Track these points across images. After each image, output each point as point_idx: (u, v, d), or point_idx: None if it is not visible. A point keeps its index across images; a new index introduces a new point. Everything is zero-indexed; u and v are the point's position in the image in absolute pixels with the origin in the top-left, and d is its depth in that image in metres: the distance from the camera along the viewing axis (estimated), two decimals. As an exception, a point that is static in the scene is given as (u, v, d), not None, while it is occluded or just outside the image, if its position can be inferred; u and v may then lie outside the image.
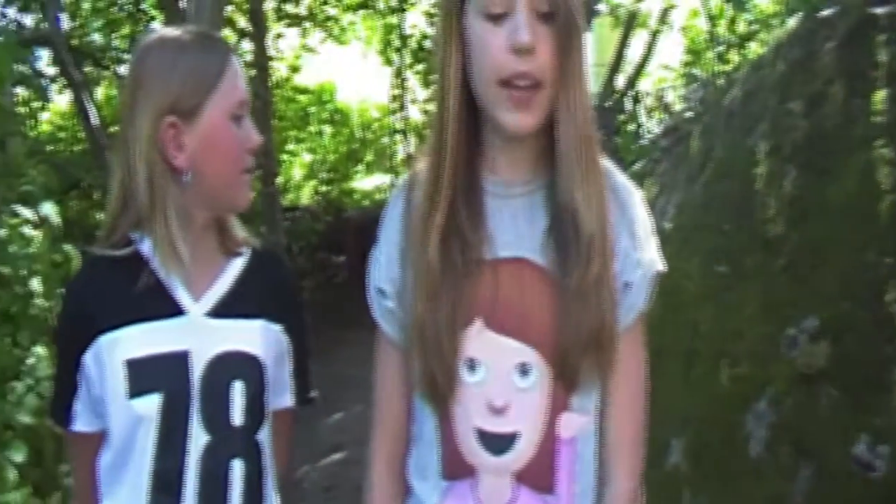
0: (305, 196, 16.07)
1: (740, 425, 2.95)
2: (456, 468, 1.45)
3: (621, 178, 1.54)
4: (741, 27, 7.55)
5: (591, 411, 1.48)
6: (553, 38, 1.36)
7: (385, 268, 1.51)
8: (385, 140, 17.26)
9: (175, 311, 1.70)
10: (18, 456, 2.52)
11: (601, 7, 8.63)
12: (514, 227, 1.45)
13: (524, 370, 1.41)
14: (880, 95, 2.82)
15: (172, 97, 1.65)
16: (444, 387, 1.41)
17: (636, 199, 1.54)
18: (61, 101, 12.57)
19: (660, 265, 1.53)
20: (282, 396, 1.87)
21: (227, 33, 11.04)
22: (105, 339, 1.66)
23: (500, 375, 1.41)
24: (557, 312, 1.41)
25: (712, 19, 8.38)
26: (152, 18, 11.43)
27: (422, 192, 1.45)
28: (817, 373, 2.62)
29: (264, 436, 1.77)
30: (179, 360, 1.67)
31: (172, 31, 1.75)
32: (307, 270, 12.84)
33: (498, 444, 1.43)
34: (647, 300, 1.53)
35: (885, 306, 2.45)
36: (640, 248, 1.50)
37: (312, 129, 16.31)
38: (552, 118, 1.39)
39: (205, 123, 1.66)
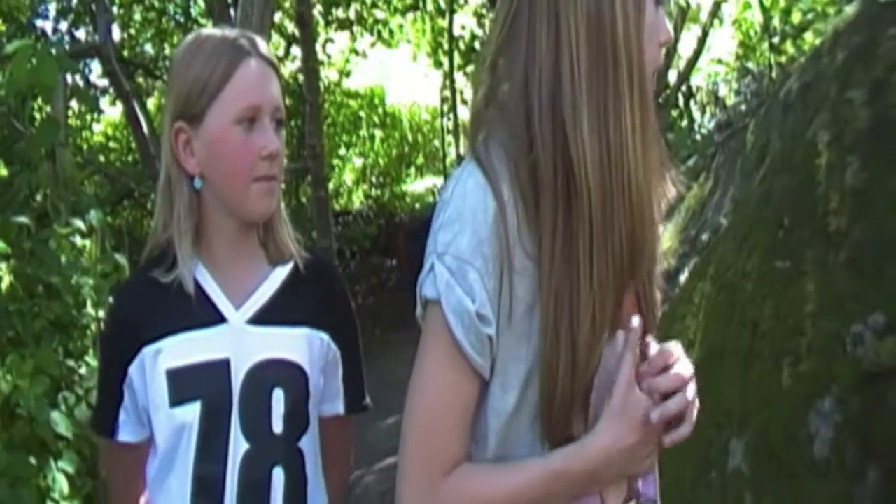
0: (357, 200, 16.17)
1: (804, 425, 2.86)
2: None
3: None
4: (796, 18, 7.42)
5: None
6: None
7: (480, 288, 1.24)
8: (435, 142, 17.29)
9: (216, 319, 1.71)
10: (69, 466, 2.52)
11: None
12: None
13: None
14: (945, 81, 2.72)
15: (181, 102, 1.67)
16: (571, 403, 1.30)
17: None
18: (113, 112, 12.78)
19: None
20: (332, 403, 1.86)
21: (276, 39, 11.12)
22: (148, 350, 1.67)
23: None
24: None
25: (766, 11, 8.25)
26: (202, 27, 11.57)
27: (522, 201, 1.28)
28: (885, 370, 2.53)
29: (307, 443, 1.76)
30: (220, 368, 1.68)
31: (199, 34, 1.75)
32: (359, 275, 12.91)
33: None
34: None
35: (955, 300, 2.36)
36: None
37: (363, 133, 16.40)
38: None
39: (208, 129, 1.66)
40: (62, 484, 2.38)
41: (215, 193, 1.69)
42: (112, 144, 13.72)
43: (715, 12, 10.35)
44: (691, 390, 1.33)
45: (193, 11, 11.97)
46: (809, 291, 3.15)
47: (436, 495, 1.27)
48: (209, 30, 1.78)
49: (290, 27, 11.73)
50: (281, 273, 1.79)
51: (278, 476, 1.71)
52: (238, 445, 1.68)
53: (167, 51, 12.14)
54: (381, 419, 8.06)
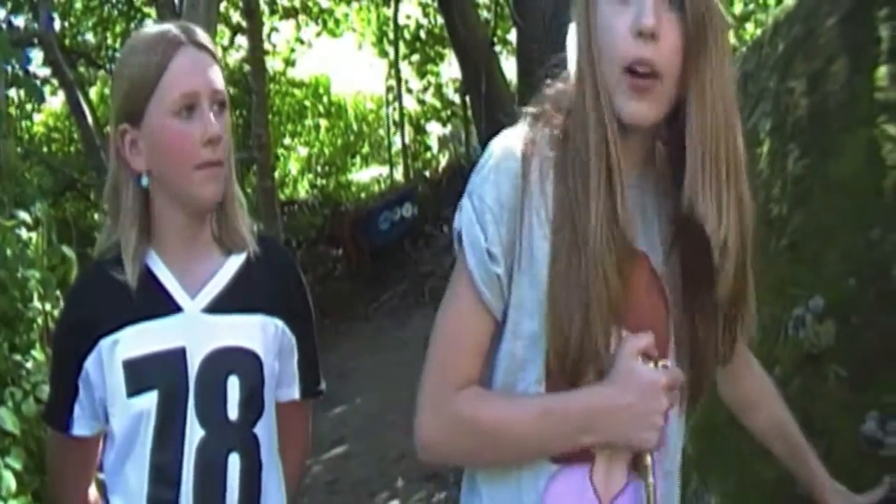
0: (302, 190, 16.11)
1: (747, 407, 2.93)
2: (574, 453, 1.40)
3: None
4: (738, 8, 7.54)
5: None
6: (680, 28, 1.32)
7: (495, 230, 1.37)
8: (381, 132, 17.28)
9: (172, 309, 1.73)
10: (17, 463, 2.49)
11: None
12: (641, 219, 1.43)
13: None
14: (882, 72, 2.80)
15: (123, 103, 1.70)
16: (578, 368, 1.37)
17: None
18: (55, 102, 12.59)
19: None
20: (288, 389, 1.89)
21: (221, 29, 11.03)
22: (105, 342, 1.69)
23: None
24: (667, 321, 1.45)
25: (707, 2, 8.36)
26: (146, 16, 11.42)
27: (552, 166, 1.38)
28: (824, 352, 2.60)
29: (263, 429, 1.77)
30: (176, 357, 1.70)
31: (136, 34, 1.80)
32: (305, 264, 12.84)
33: None
34: None
35: (892, 283, 2.43)
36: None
37: (308, 122, 16.34)
38: (682, 113, 1.35)
39: (150, 125, 1.68)
40: (9, 481, 2.34)
41: (164, 187, 1.71)
42: (54, 135, 13.52)
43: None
44: None
45: (137, 0, 11.82)
46: (752, 277, 3.22)
47: (446, 406, 1.41)
48: (146, 28, 1.82)
49: (235, 16, 11.63)
50: (236, 261, 1.81)
51: (234, 462, 1.72)
52: (194, 432, 1.69)
53: (110, 40, 11.97)
54: (328, 409, 8.07)
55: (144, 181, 1.70)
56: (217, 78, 1.73)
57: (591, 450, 1.41)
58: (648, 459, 1.41)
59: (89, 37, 12.46)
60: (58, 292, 3.26)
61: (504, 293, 1.39)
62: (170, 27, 1.73)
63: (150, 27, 1.79)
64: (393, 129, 16.46)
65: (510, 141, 1.40)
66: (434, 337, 1.45)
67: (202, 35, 1.75)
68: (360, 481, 6.43)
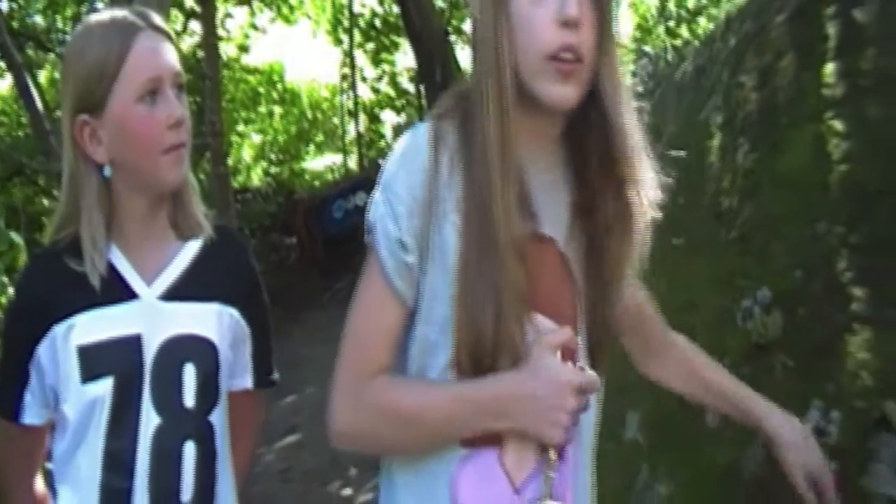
0: (256, 178, 16.01)
1: (696, 396, 2.98)
2: (482, 437, 1.42)
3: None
4: (691, 2, 7.61)
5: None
6: (594, 11, 1.38)
7: (407, 220, 1.39)
8: (335, 120, 17.22)
9: (128, 295, 1.71)
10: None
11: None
12: (545, 204, 1.45)
13: None
14: (829, 69, 2.85)
15: (80, 95, 1.66)
16: (492, 356, 1.38)
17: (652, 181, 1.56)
18: (3, 85, 12.38)
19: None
20: (241, 378, 1.88)
21: (175, 14, 10.92)
22: (59, 328, 1.66)
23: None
24: (575, 301, 1.46)
25: (661, -5, 8.44)
26: (97, -2, 11.27)
27: (466, 161, 1.41)
28: (771, 343, 2.66)
29: (217, 418, 1.77)
30: (131, 344, 1.68)
31: (88, 22, 1.74)
32: (259, 252, 12.77)
33: None
34: None
35: (836, 276, 2.49)
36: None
37: (262, 109, 16.23)
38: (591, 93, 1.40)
39: (113, 114, 1.65)
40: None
41: (126, 175, 1.69)
42: (2, 119, 13.30)
43: (612, -6, 10.53)
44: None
45: (87, -18, 11.66)
46: (702, 268, 3.27)
47: (358, 394, 1.42)
48: (98, 14, 1.76)
49: (189, 1, 11.51)
50: (192, 248, 1.80)
51: (189, 449, 1.71)
52: (149, 420, 1.68)
53: (60, 23, 11.79)
54: (280, 398, 8.05)
55: (107, 172, 1.68)
56: (176, 59, 1.71)
57: (502, 434, 1.42)
58: (552, 454, 1.41)
59: (38, 19, 12.26)
60: (5, 278, 3.22)
61: (416, 282, 1.41)
62: (124, 13, 1.70)
63: (102, 13, 1.74)
64: (347, 117, 16.40)
65: (419, 135, 1.43)
66: (346, 328, 1.47)
67: (157, 18, 1.72)
68: (312, 470, 6.43)
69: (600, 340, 1.49)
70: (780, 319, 2.66)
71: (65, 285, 1.69)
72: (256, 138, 16.50)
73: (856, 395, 2.24)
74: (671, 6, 8.18)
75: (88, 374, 1.65)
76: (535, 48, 1.36)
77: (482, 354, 1.37)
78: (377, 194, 1.43)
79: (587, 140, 1.45)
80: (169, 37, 1.72)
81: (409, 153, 1.42)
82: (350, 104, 15.88)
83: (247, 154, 16.34)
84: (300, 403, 8.00)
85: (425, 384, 1.43)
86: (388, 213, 1.40)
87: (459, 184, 1.39)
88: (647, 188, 1.48)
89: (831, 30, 2.92)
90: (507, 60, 1.37)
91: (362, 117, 15.70)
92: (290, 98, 16.87)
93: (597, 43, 1.37)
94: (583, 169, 1.46)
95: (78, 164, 1.69)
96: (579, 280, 1.47)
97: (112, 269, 1.70)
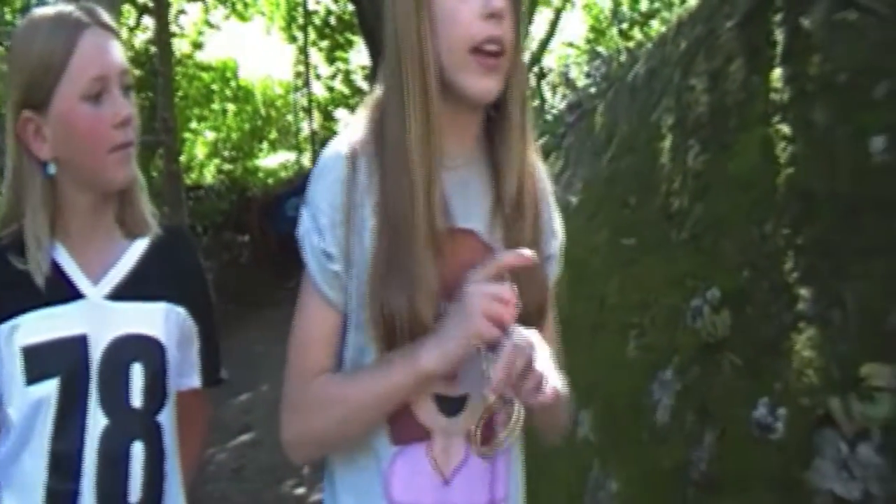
0: (209, 175, 15.87)
1: (647, 394, 3.03)
2: (410, 433, 1.47)
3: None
4: (644, 5, 7.69)
5: None
6: (514, 6, 1.41)
7: (329, 231, 1.44)
8: (288, 117, 17.13)
9: (74, 295, 1.69)
10: None
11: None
12: (463, 199, 1.48)
13: None
14: (777, 73, 2.91)
15: (24, 91, 1.64)
16: None
17: (543, 168, 1.62)
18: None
19: (562, 234, 1.65)
20: (189, 377, 1.87)
21: (127, 9, 10.80)
22: (3, 328, 1.64)
23: None
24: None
25: (615, -3, 8.51)
26: (46, -8, 11.10)
27: (373, 164, 1.44)
28: (720, 341, 2.70)
29: (166, 417, 1.76)
30: (77, 344, 1.66)
31: (33, 16, 1.72)
32: (211, 250, 12.69)
33: (452, 406, 1.48)
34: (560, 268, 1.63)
35: (782, 276, 2.54)
36: (554, 219, 1.61)
37: (215, 106, 16.10)
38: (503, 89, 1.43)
39: (58, 111, 1.63)
40: None
41: (72, 173, 1.66)
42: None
43: (566, -4, 10.62)
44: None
45: (35, -24, 11.48)
46: (653, 267, 3.32)
47: (304, 395, 1.49)
48: (44, 8, 1.73)
49: (141, -4, 11.40)
50: (139, 247, 1.78)
51: (137, 450, 1.70)
52: (96, 421, 1.66)
53: (8, 15, 11.60)
54: (234, 396, 8.01)
55: (51, 169, 1.66)
56: (123, 57, 1.69)
57: (431, 429, 1.47)
58: (483, 350, 1.37)
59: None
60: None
61: (345, 289, 1.46)
62: (71, 8, 1.67)
63: (49, 8, 1.72)
64: (301, 115, 16.34)
65: (337, 145, 1.47)
66: (290, 336, 1.52)
67: (104, 14, 1.70)
68: (266, 468, 6.40)
69: (535, 311, 1.50)
70: (729, 318, 2.70)
71: (8, 284, 1.66)
72: (210, 136, 16.36)
73: (801, 393, 2.29)
74: (625, 9, 8.26)
75: (33, 376, 1.63)
76: (459, 41, 1.39)
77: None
78: (302, 210, 1.48)
79: (500, 131, 1.49)
80: (116, 34, 1.70)
81: (327, 166, 1.46)
82: (304, 102, 15.81)
83: (200, 151, 16.20)
84: (254, 402, 7.97)
85: (352, 375, 1.48)
86: (312, 227, 1.45)
87: (377, 187, 1.43)
88: (543, 179, 1.55)
89: (779, 35, 2.98)
90: (431, 56, 1.40)
91: (316, 115, 15.63)
92: (243, 95, 16.75)
93: (514, 38, 1.41)
94: (497, 160, 1.50)
95: (21, 161, 1.66)
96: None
97: (57, 268, 1.68)
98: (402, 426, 1.47)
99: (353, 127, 1.52)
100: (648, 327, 3.18)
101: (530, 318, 1.43)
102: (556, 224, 1.62)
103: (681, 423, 2.79)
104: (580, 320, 3.74)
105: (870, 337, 2.17)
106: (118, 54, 1.67)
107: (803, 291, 2.44)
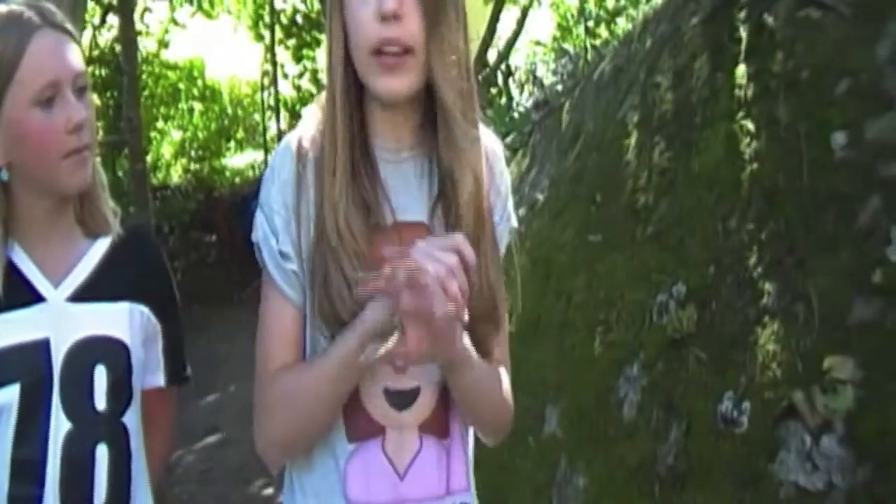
0: (175, 175, 15.78)
1: (614, 390, 3.04)
2: (364, 430, 1.49)
3: (487, 133, 1.60)
4: (610, 3, 7.73)
5: None
6: (421, 3, 1.40)
7: (283, 231, 1.48)
8: (256, 116, 17.06)
9: (34, 298, 1.66)
10: None
11: (472, -17, 8.68)
12: (408, 192, 1.51)
13: None
14: (741, 70, 2.93)
15: None
16: None
17: (501, 153, 1.63)
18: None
19: (515, 221, 1.66)
20: (153, 375, 1.84)
21: (92, 7, 10.71)
22: None
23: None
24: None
25: (581, -5, 8.54)
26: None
27: (319, 162, 1.47)
28: (685, 336, 2.72)
29: (131, 419, 1.74)
30: (38, 349, 1.63)
31: None
32: (179, 250, 12.62)
33: (403, 399, 1.49)
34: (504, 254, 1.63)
35: (747, 271, 2.56)
36: (504, 206, 1.62)
37: (182, 105, 15.99)
38: (430, 84, 1.43)
39: (8, 117, 1.58)
40: None
41: (25, 178, 1.62)
42: None
43: (533, -6, 10.66)
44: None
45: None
46: (619, 264, 3.34)
47: (269, 385, 1.50)
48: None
49: (105, -6, 11.30)
50: (100, 247, 1.75)
51: (102, 453, 1.67)
52: (59, 426, 1.63)
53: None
54: (201, 397, 7.96)
55: (4, 175, 1.63)
56: (77, 59, 1.64)
57: (383, 424, 1.48)
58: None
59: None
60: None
61: (303, 287, 1.49)
62: (21, 8, 1.61)
63: (1, 7, 1.69)
64: (268, 114, 16.25)
65: (286, 144, 1.51)
66: (257, 331, 1.54)
67: (58, 14, 1.65)
68: (234, 469, 6.37)
69: (483, 314, 1.49)
70: (695, 314, 2.73)
71: None
72: (176, 135, 16.25)
73: (765, 386, 2.32)
74: (591, 6, 8.29)
75: None
76: (362, 43, 1.41)
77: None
78: (258, 213, 1.52)
79: (438, 122, 1.48)
80: (71, 34, 1.65)
81: (277, 167, 1.50)
82: (271, 101, 15.74)
83: (166, 151, 16.09)
84: (221, 402, 7.93)
85: (307, 364, 1.50)
86: (267, 229, 1.49)
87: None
88: (479, 172, 1.52)
89: (743, 32, 3.00)
90: (340, 55, 1.45)
91: (284, 114, 15.57)
92: (210, 94, 16.66)
93: (426, 33, 1.40)
94: (437, 152, 1.50)
95: None
96: None
97: (16, 271, 1.65)
98: (356, 422, 1.49)
99: (304, 122, 1.55)
100: (615, 323, 3.20)
101: (482, 312, 1.46)
102: (508, 210, 1.63)
103: (647, 418, 2.80)
104: (548, 317, 3.75)
105: (832, 330, 2.20)
106: (72, 56, 1.63)
107: (767, 286, 2.46)
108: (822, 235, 2.35)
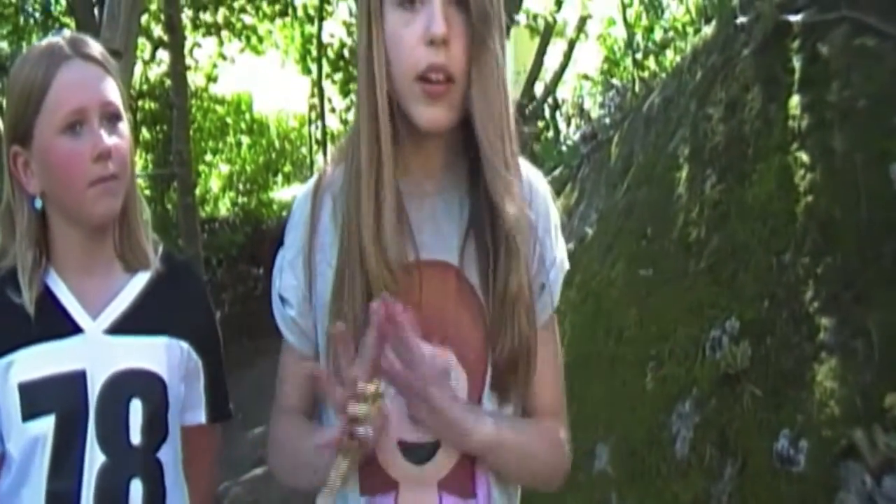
0: (223, 208, 15.91)
1: (665, 427, 2.99)
2: (376, 483, 1.40)
3: (533, 171, 1.52)
4: (658, 35, 7.70)
5: (511, 412, 1.46)
6: (467, 29, 1.33)
7: (287, 274, 1.46)
8: (303, 150, 17.20)
9: (71, 329, 1.66)
10: None
11: (520, 17, 8.72)
12: (435, 230, 1.42)
13: None
14: (795, 101, 2.89)
15: (11, 125, 1.63)
16: None
17: (548, 193, 1.52)
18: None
19: (567, 264, 1.54)
20: (194, 412, 1.83)
21: (142, 42, 10.90)
22: (0, 364, 1.61)
23: None
24: (484, 324, 1.39)
25: (629, 27, 8.53)
26: (64, 25, 11.18)
27: (345, 195, 1.40)
28: (739, 372, 2.67)
29: (167, 454, 1.72)
30: (75, 380, 1.63)
31: (28, 49, 1.71)
32: (226, 283, 12.70)
33: (419, 453, 1.40)
34: (558, 298, 1.52)
35: (803, 305, 2.51)
36: (553, 248, 1.50)
37: (230, 139, 16.17)
38: (468, 115, 1.35)
39: (38, 145, 1.61)
40: None
41: (57, 206, 1.65)
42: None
43: (580, 27, 10.67)
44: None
45: (54, 9, 11.59)
46: (671, 298, 3.29)
47: (275, 424, 1.54)
48: (39, 41, 1.73)
49: (157, 30, 11.49)
50: (140, 280, 1.75)
51: (136, 488, 1.65)
52: (94, 458, 1.62)
53: (25, 49, 11.69)
54: (247, 430, 7.97)
55: (38, 204, 1.63)
56: (108, 89, 1.65)
57: (396, 479, 1.39)
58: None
59: (3, 45, 12.15)
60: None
61: (304, 332, 1.47)
62: (58, 40, 1.66)
63: (43, 41, 1.69)
64: (315, 147, 16.37)
65: (307, 185, 1.50)
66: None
67: (92, 46, 1.68)
68: (279, 501, 6.36)
69: (513, 361, 1.41)
70: (749, 349, 2.67)
71: (5, 319, 1.64)
72: (224, 168, 16.42)
73: (824, 424, 2.26)
74: (639, 39, 8.28)
75: (29, 412, 1.60)
76: (404, 69, 1.33)
77: None
78: (279, 255, 1.50)
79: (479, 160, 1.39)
80: (102, 65, 1.66)
81: (295, 209, 1.49)
82: (318, 134, 15.86)
83: (215, 184, 16.25)
84: (267, 435, 7.93)
85: (307, 427, 1.49)
86: (276, 270, 1.48)
87: (340, 222, 1.40)
88: (541, 206, 1.47)
89: (796, 63, 2.96)
90: (381, 82, 1.34)
91: (330, 147, 15.68)
92: (258, 128, 16.82)
93: (469, 62, 1.33)
94: (474, 189, 1.42)
95: (14, 194, 1.66)
96: (484, 301, 1.41)
97: (55, 302, 1.66)
98: (369, 475, 1.40)
99: (331, 160, 1.51)
100: (666, 359, 3.15)
101: (512, 360, 1.39)
102: (558, 253, 1.51)
103: (700, 455, 2.74)
104: (598, 353, 3.71)
105: (894, 367, 2.14)
106: (101, 86, 1.64)
107: (824, 321, 2.40)
108: (881, 269, 2.29)
